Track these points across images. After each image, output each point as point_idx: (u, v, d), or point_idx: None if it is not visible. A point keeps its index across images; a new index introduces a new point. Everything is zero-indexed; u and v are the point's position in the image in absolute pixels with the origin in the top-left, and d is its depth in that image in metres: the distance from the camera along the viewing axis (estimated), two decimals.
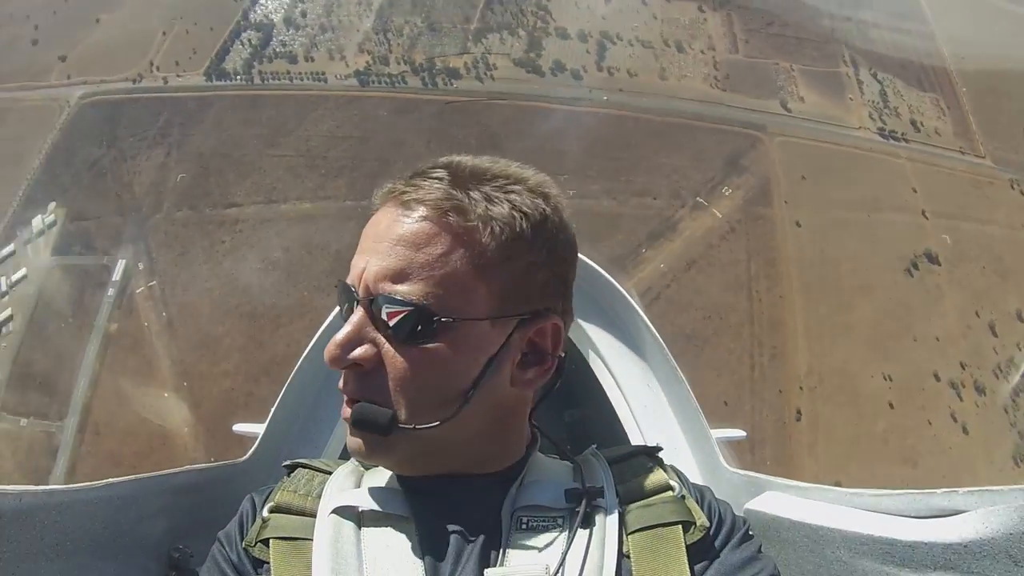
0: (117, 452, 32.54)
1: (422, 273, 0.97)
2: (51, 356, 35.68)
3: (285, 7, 49.22)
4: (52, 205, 40.74)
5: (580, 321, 2.25)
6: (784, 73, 47.79)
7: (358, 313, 0.99)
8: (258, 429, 1.81)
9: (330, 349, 0.97)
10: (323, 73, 45.03)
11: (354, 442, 1.01)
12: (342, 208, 36.97)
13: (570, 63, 46.16)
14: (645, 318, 2.19)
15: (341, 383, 1.01)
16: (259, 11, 49.03)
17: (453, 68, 45.43)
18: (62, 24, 49.28)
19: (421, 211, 0.98)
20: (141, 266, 37.29)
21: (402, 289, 0.96)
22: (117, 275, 37.29)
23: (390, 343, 0.98)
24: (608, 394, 2.21)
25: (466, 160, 1.05)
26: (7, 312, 37.66)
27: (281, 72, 45.16)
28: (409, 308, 0.96)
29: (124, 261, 37.68)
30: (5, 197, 42.17)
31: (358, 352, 0.98)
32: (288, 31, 47.91)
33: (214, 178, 39.92)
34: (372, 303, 0.98)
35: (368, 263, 0.99)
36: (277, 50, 46.66)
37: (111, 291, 36.80)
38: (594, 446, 1.21)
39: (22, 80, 47.19)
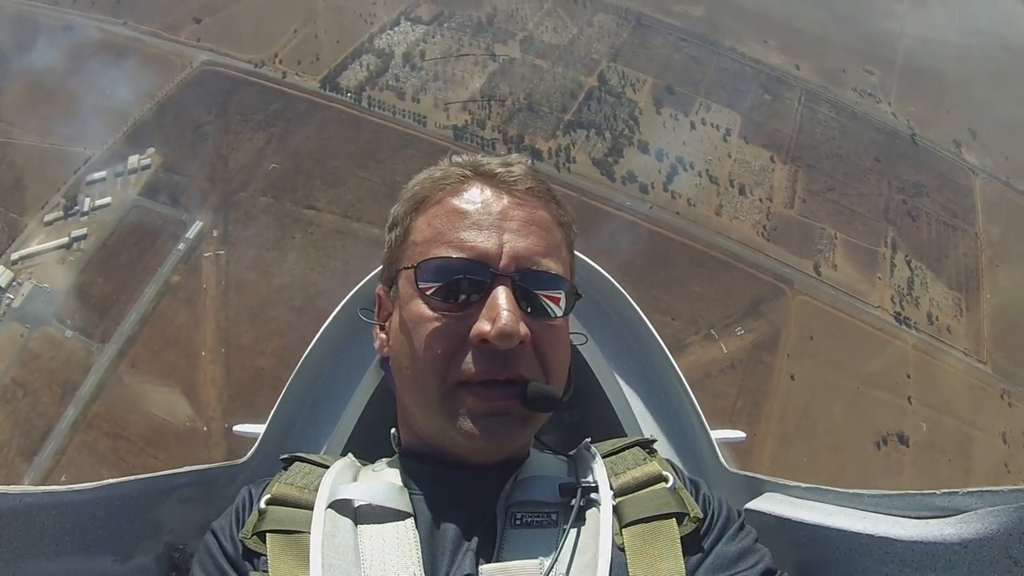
0: (143, 391, 36.96)
1: (555, 254, 1.10)
2: (112, 283, 40.61)
3: (408, 44, 55.43)
4: (151, 150, 46.25)
5: (579, 321, 2.27)
6: (827, 239, 51.83)
7: (504, 288, 1.02)
8: (258, 429, 1.89)
9: (506, 326, 0.98)
10: (424, 117, 50.55)
11: (490, 425, 1.03)
12: None
13: (641, 177, 51.04)
14: (645, 319, 2.23)
15: (490, 364, 1.02)
16: (384, 39, 55.45)
17: (538, 149, 50.66)
18: None
19: (535, 197, 1.12)
20: (215, 233, 42.42)
21: (552, 266, 1.08)
22: (191, 233, 42.43)
23: (541, 319, 1.06)
24: (608, 395, 2.24)
25: (513, 155, 1.21)
26: (84, 231, 43.03)
27: (387, 103, 50.74)
28: (562, 286, 1.09)
29: (201, 224, 42.83)
30: (112, 126, 47.55)
31: (523, 329, 1.01)
32: (404, 67, 53.93)
33: (303, 178, 45.22)
34: (520, 279, 1.04)
35: (506, 239, 1.05)
36: (390, 82, 52.45)
37: (182, 246, 41.95)
38: (588, 440, 1.26)
39: (156, 27, 53.40)
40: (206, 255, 41.63)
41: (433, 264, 1.03)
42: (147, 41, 53.05)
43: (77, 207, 44.29)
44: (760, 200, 52.91)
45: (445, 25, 59.25)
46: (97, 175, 45.76)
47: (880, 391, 44.50)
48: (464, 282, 1.02)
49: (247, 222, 43.05)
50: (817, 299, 48.02)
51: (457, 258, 1.02)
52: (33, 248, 42.70)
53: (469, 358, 1.01)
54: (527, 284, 1.03)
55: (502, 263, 1.02)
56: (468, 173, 1.11)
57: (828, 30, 70.52)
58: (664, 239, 48.03)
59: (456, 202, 1.07)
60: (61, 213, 44.13)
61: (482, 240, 1.03)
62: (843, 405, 43.09)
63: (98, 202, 44.54)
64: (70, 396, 36.70)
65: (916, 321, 48.86)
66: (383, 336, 1.21)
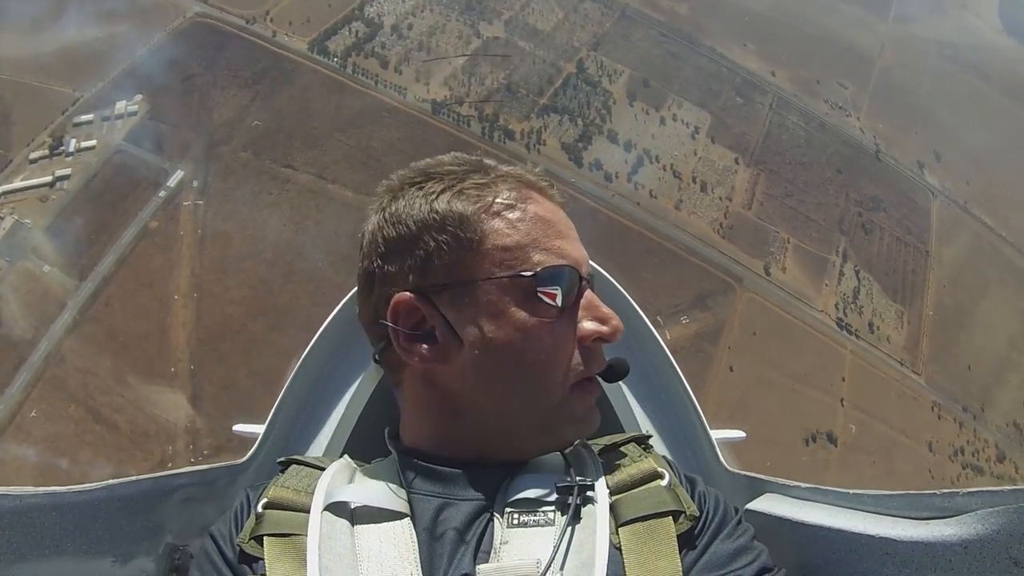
0: (119, 327, 39.78)
1: None
2: (92, 224, 43.26)
3: (397, 14, 58.35)
4: (139, 97, 48.94)
5: None
6: (780, 242, 55.24)
7: (592, 293, 1.14)
8: (258, 429, 1.89)
9: (615, 323, 1.11)
10: (405, 88, 53.62)
11: (592, 414, 1.16)
12: None
13: (607, 165, 54.44)
14: (644, 318, 2.22)
15: (597, 361, 1.13)
16: (375, 7, 58.26)
17: (511, 130, 53.90)
18: None
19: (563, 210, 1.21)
20: (195, 183, 45.33)
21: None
22: (172, 182, 45.29)
23: None
24: (607, 394, 2.17)
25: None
26: (68, 171, 45.60)
27: (371, 71, 53.73)
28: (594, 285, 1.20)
29: (182, 173, 45.69)
30: (101, 70, 50.15)
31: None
32: (391, 36, 56.83)
33: (283, 137, 48.13)
34: (587, 281, 1.14)
35: (580, 250, 1.15)
36: (376, 50, 55.34)
37: (162, 193, 44.84)
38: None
39: None
40: (185, 204, 44.43)
41: (549, 272, 1.07)
42: None
43: (63, 147, 46.73)
44: (720, 199, 56.37)
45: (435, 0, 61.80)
46: (84, 117, 48.28)
47: (815, 390, 47.81)
48: (571, 288, 1.09)
49: (227, 175, 45.93)
50: (764, 298, 51.34)
51: (567, 266, 1.08)
52: (16, 184, 45.05)
53: (580, 359, 1.10)
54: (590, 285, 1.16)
55: (584, 269, 1.12)
56: (529, 179, 1.17)
57: (808, 40, 74.02)
58: (622, 227, 51.32)
59: (536, 209, 1.12)
60: (46, 152, 46.54)
61: (571, 248, 1.11)
62: (777, 400, 45.93)
63: (83, 144, 47.02)
64: (44, 330, 39.16)
65: (857, 328, 52.32)
66: (423, 347, 1.11)
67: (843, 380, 49.38)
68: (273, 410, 1.89)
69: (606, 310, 1.10)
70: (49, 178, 45.34)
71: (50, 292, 40.68)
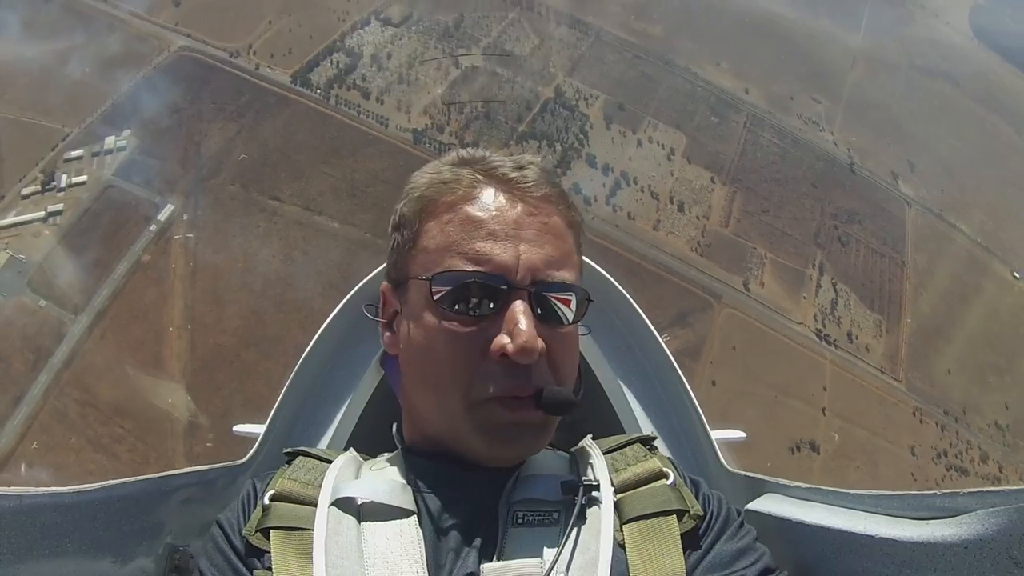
0: (115, 359, 41.21)
1: (568, 261, 1.15)
2: (85, 258, 44.97)
3: (376, 45, 60.86)
4: (127, 132, 50.90)
5: (582, 322, 1.99)
6: (758, 258, 56.66)
7: (521, 302, 1.07)
8: (258, 430, 1.92)
9: (525, 342, 1.03)
10: (387, 118, 55.87)
11: (511, 435, 1.10)
12: (362, 238, 46.81)
13: (586, 189, 56.13)
14: (646, 319, 2.26)
15: (511, 379, 1.07)
16: (355, 38, 60.71)
17: None
18: None
19: (549, 203, 1.16)
20: (186, 217, 47.24)
21: (567, 276, 1.13)
22: (163, 216, 47.11)
23: (553, 327, 1.11)
24: (609, 395, 2.27)
25: (526, 156, 1.24)
26: (60, 206, 47.39)
27: (353, 102, 55.99)
28: (575, 293, 1.14)
29: (172, 207, 47.56)
30: (90, 105, 52.10)
31: (541, 344, 1.06)
32: (372, 68, 59.19)
33: (269, 169, 50.25)
34: (535, 291, 1.09)
35: (522, 251, 1.09)
36: (357, 81, 57.65)
37: (154, 227, 46.65)
38: (589, 436, 1.32)
39: (137, 7, 57.92)
40: (176, 237, 46.24)
41: (448, 276, 1.08)
42: (128, 20, 57.49)
43: (54, 183, 48.46)
44: (697, 217, 58.05)
45: (413, 28, 64.12)
46: (74, 153, 50.04)
47: (796, 401, 49.28)
48: (480, 295, 1.07)
49: (216, 208, 47.84)
50: (743, 313, 53.04)
51: (474, 271, 1.07)
52: (10, 220, 46.54)
53: (491, 373, 1.07)
54: (539, 294, 1.10)
55: (518, 275, 1.07)
56: (480, 177, 1.15)
57: (781, 57, 76.42)
58: (601, 248, 52.13)
59: (470, 209, 1.12)
60: (39, 187, 48.25)
61: (498, 252, 1.08)
62: (760, 412, 47.13)
63: (75, 179, 48.77)
64: (43, 363, 40.40)
65: (836, 339, 53.96)
66: (389, 335, 1.27)
67: (824, 390, 50.96)
68: (274, 410, 1.96)
69: (521, 326, 1.05)
70: (42, 213, 46.89)
71: (47, 326, 42.00)
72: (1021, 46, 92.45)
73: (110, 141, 50.51)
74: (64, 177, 48.89)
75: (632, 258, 53.36)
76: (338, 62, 58.65)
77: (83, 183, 48.91)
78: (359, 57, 59.72)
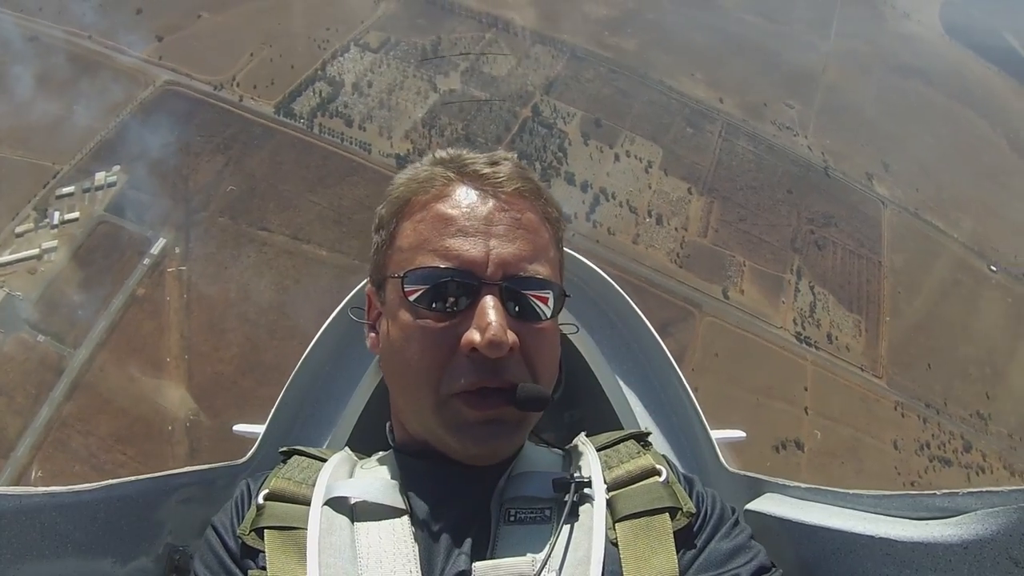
0: (116, 389, 43.00)
1: (543, 256, 1.16)
2: (81, 293, 46.81)
3: (357, 73, 63.40)
4: (117, 168, 52.98)
5: (580, 322, 2.33)
6: (736, 266, 58.63)
7: (491, 297, 1.09)
8: (258, 430, 1.98)
9: (494, 336, 1.04)
10: (370, 144, 58.28)
11: (484, 432, 1.11)
12: (350, 264, 48.85)
13: (566, 207, 54.08)
14: (645, 320, 2.29)
15: (482, 374, 1.08)
16: (336, 67, 63.27)
17: None
18: (167, 4, 62.79)
19: (522, 198, 1.18)
20: (178, 250, 49.36)
21: (540, 270, 1.14)
22: (156, 249, 49.15)
23: (528, 323, 1.13)
24: (608, 395, 2.29)
25: (500, 152, 1.27)
26: (54, 243, 49.25)
27: (336, 130, 58.42)
28: (551, 289, 1.15)
29: (165, 241, 49.62)
30: (78, 143, 54.23)
31: (511, 336, 1.08)
32: (353, 95, 61.66)
33: (257, 200, 52.45)
34: (507, 286, 1.10)
35: (493, 246, 1.11)
36: (339, 109, 60.08)
37: (147, 261, 48.64)
38: (583, 433, 1.34)
39: (121, 44, 60.23)
40: (169, 270, 48.15)
41: (419, 273, 1.11)
42: (113, 56, 59.80)
43: (47, 220, 50.18)
44: (676, 229, 60.10)
45: (391, 53, 66.77)
46: (66, 189, 51.85)
47: (779, 402, 50.98)
48: (451, 291, 1.09)
49: (207, 240, 49.83)
50: (724, 320, 54.97)
51: (444, 267, 1.09)
52: (5, 258, 48.16)
53: (461, 367, 1.09)
54: (511, 289, 1.11)
55: (489, 271, 1.09)
56: (452, 175, 1.18)
57: (754, 65, 79.09)
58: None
59: (441, 207, 1.14)
60: (32, 225, 49.97)
61: (468, 247, 1.10)
62: (743, 415, 47.76)
63: (67, 216, 50.54)
64: (44, 396, 41.78)
65: (816, 340, 55.70)
66: (373, 336, 1.31)
67: (805, 390, 52.69)
68: (274, 410, 2.03)
69: (490, 320, 1.06)
70: (36, 250, 48.48)
71: (46, 360, 43.47)
72: (993, 41, 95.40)
73: (100, 177, 52.43)
74: (57, 214, 50.59)
75: (614, 272, 52.18)
76: (320, 91, 61.09)
77: (75, 219, 50.66)
78: (340, 85, 62.12)
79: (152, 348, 45.00)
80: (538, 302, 1.14)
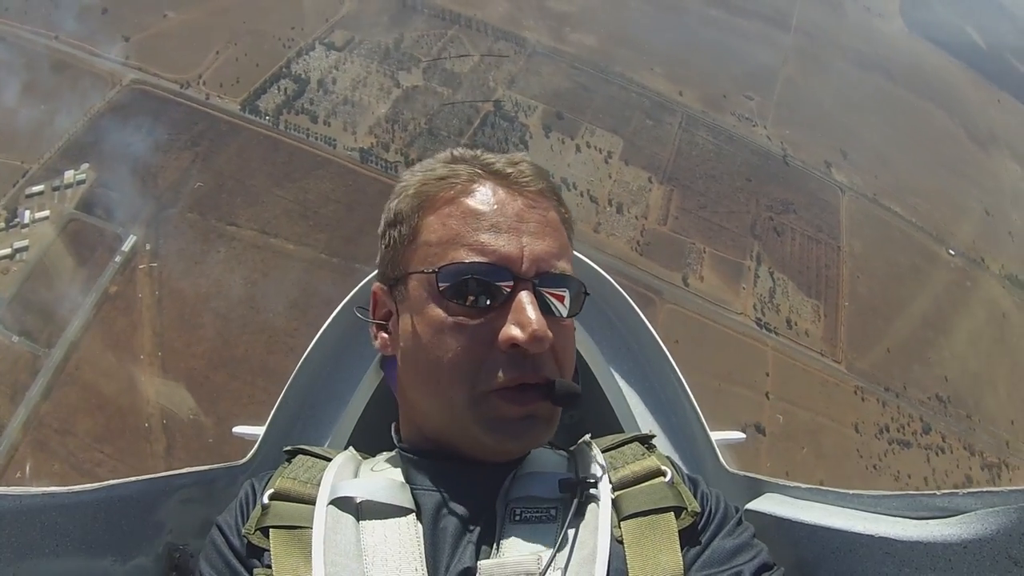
0: (93, 386, 44.12)
1: (567, 255, 1.18)
2: (54, 292, 48.02)
3: (322, 70, 65.32)
4: (86, 166, 54.45)
5: (578, 322, 2.03)
6: (696, 253, 60.60)
7: (527, 293, 1.09)
8: (258, 431, 1.94)
9: (537, 330, 1.05)
10: (335, 139, 60.19)
11: (521, 427, 1.11)
12: (317, 258, 50.69)
13: None
14: (644, 320, 2.29)
15: (521, 369, 1.09)
16: (301, 64, 65.16)
17: None
18: (133, 4, 64.26)
19: (545, 198, 1.20)
20: (148, 247, 50.84)
21: (568, 268, 1.16)
22: (126, 247, 50.55)
23: (555, 319, 1.13)
24: (608, 396, 2.30)
25: (516, 153, 1.28)
26: (25, 242, 50.45)
27: (302, 126, 60.25)
28: (576, 286, 1.16)
29: (135, 238, 51.08)
30: (47, 142, 55.54)
31: (550, 333, 1.08)
32: (318, 92, 63.56)
33: (225, 196, 54.11)
34: (539, 283, 1.11)
35: (526, 243, 1.11)
36: (305, 106, 61.98)
37: (118, 258, 49.99)
38: (588, 436, 1.32)
39: (87, 43, 61.63)
40: (141, 267, 49.52)
41: (454, 268, 1.09)
42: (79, 56, 61.13)
43: (17, 219, 51.28)
44: (636, 218, 62.27)
45: (355, 52, 68.62)
46: (35, 188, 53.00)
47: (740, 387, 52.58)
48: (487, 287, 1.09)
49: (177, 237, 51.39)
50: (684, 308, 56.54)
51: (480, 262, 1.09)
52: None
53: (498, 363, 1.09)
54: (545, 287, 1.12)
55: (524, 267, 1.10)
56: (479, 172, 1.18)
57: (714, 58, 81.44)
58: None
59: (470, 202, 1.14)
60: (2, 224, 51.14)
61: (503, 243, 1.10)
62: (704, 400, 43.08)
63: (38, 215, 51.65)
64: (20, 396, 42.53)
65: (776, 326, 57.57)
66: (384, 336, 1.28)
67: (767, 375, 54.49)
68: (273, 411, 1.98)
69: (530, 315, 1.07)
70: (8, 250, 49.48)
71: (21, 361, 44.34)
72: (952, 33, 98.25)
73: (69, 176, 53.64)
74: (27, 213, 51.62)
75: None
76: (285, 88, 62.95)
77: (46, 218, 51.85)
78: (306, 83, 63.99)
79: (126, 345, 46.09)
80: (563, 300, 1.16)
